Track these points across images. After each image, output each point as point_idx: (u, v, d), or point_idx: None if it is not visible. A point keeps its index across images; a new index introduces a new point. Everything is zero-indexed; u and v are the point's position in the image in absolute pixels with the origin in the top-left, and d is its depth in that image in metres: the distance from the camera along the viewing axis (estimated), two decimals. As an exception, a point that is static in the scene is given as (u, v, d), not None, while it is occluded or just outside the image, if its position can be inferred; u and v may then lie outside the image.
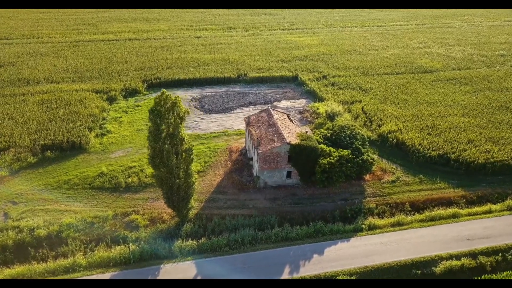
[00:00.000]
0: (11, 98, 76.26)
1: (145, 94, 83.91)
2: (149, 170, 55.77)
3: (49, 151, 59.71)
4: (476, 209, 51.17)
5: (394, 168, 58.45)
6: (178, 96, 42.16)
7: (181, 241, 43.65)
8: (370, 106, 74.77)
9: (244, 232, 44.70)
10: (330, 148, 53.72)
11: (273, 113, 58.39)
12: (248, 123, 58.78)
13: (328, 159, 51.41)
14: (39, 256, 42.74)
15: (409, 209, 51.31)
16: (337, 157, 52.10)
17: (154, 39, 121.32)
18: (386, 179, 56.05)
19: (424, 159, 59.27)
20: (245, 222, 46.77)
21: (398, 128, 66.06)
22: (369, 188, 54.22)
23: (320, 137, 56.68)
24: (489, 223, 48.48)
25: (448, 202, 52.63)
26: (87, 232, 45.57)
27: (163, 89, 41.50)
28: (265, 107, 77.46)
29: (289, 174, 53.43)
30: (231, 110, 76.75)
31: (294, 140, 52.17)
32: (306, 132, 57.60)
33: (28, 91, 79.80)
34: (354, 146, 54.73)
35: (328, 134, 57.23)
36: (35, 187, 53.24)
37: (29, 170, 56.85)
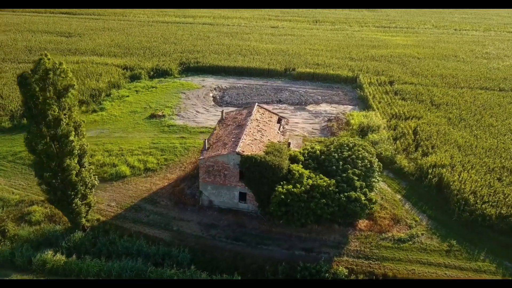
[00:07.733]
0: (45, 65, 75.89)
1: (175, 77, 75.88)
2: (96, 157, 47.15)
3: (25, 119, 55.43)
4: (529, 324, 29.01)
5: (416, 220, 38.24)
6: (61, 63, 31.56)
7: (51, 253, 33.15)
8: (429, 126, 53.11)
9: (126, 263, 31.95)
10: (306, 171, 36.78)
11: (254, 112, 43.53)
12: (220, 120, 45.15)
13: (290, 186, 34.78)
14: None
15: (403, 292, 31.60)
16: (308, 186, 35.06)
17: (228, 25, 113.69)
18: (391, 234, 36.57)
19: (472, 216, 37.52)
20: (144, 249, 33.87)
21: (451, 163, 44.26)
22: (355, 242, 35.67)
23: (303, 154, 39.80)
24: None
25: (480, 298, 31.18)
26: (-24, 215, 38.48)
27: (44, 52, 31.53)
28: (290, 107, 62.19)
29: (242, 196, 38.35)
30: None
31: (254, 151, 36.92)
32: (289, 143, 41.40)
33: (66, 60, 78.36)
34: (345, 174, 36.66)
35: (318, 152, 39.89)
36: (-17, 154, 48.90)
37: (-2, 135, 53.30)
